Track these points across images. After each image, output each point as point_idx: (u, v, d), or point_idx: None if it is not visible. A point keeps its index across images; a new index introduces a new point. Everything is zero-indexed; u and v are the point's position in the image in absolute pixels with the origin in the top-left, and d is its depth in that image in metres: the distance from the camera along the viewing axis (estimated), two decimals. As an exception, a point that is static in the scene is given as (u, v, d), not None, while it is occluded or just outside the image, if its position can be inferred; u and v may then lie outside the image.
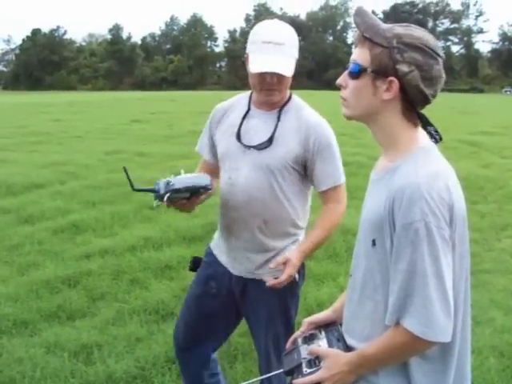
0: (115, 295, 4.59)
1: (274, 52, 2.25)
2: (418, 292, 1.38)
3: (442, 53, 1.48)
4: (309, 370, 1.61)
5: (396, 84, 1.45)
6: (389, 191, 1.44)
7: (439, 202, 1.38)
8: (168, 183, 2.20)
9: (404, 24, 1.50)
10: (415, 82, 1.44)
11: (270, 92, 2.35)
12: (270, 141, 2.36)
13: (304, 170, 2.40)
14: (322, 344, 1.69)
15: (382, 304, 1.49)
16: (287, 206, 2.42)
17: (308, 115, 2.41)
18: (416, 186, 1.39)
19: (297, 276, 2.38)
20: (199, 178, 2.33)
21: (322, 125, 2.39)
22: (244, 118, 2.45)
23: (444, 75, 1.48)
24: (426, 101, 1.49)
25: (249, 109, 2.47)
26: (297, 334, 1.85)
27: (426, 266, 1.37)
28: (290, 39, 2.31)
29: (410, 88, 1.45)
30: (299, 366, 1.66)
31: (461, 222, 1.45)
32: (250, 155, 2.39)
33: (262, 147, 2.37)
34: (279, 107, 2.41)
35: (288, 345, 1.84)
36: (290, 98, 2.45)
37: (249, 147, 2.39)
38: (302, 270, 2.46)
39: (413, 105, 1.49)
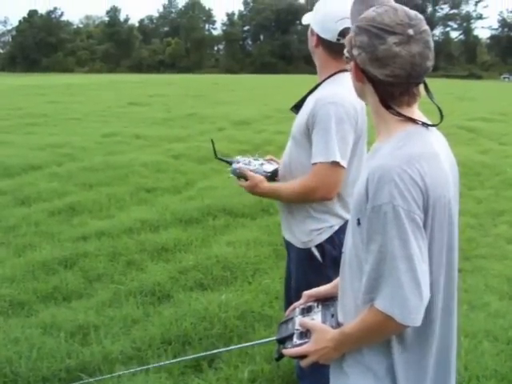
0: (111, 277, 4.60)
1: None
2: (389, 274, 1.39)
3: (409, 30, 1.40)
4: (298, 342, 1.64)
5: (354, 67, 1.50)
6: (367, 173, 1.46)
7: (410, 185, 1.38)
8: (234, 169, 2.57)
9: (377, 5, 1.47)
10: (363, 64, 1.46)
11: None
12: (296, 107, 2.56)
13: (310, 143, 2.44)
14: (315, 318, 1.71)
15: None
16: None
17: (325, 89, 2.45)
18: (387, 168, 1.40)
19: (317, 254, 2.46)
20: (261, 167, 2.59)
21: (325, 100, 2.38)
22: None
23: (405, 53, 1.40)
24: (384, 82, 1.45)
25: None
26: (298, 303, 1.86)
27: (395, 249, 1.37)
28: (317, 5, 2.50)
29: (364, 70, 1.47)
30: (291, 336, 1.69)
31: (441, 208, 1.44)
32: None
33: (295, 113, 2.58)
34: (322, 80, 2.53)
35: (287, 312, 1.86)
36: (334, 74, 2.49)
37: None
38: (325, 248, 2.48)
39: (382, 88, 1.47)
